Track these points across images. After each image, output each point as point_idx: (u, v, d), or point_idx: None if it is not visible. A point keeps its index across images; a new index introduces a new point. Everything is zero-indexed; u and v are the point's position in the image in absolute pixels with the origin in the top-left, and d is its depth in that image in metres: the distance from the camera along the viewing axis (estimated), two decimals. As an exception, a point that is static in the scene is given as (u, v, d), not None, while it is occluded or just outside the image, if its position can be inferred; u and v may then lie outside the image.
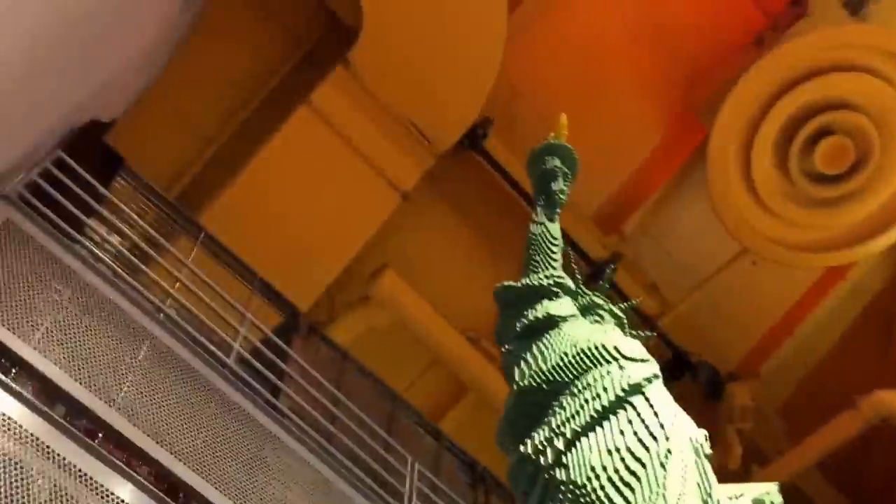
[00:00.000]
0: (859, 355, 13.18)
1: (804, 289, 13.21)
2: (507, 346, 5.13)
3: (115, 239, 7.63)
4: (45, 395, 6.03)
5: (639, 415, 4.26)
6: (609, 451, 4.03)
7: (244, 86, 11.36)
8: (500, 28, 10.18)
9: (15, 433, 5.52)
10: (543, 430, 4.38)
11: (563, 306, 5.14)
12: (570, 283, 5.40)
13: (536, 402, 4.53)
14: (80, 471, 5.55)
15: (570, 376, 4.57)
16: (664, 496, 3.79)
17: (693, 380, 12.48)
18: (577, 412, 4.33)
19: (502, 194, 11.50)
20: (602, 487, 3.85)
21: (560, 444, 4.21)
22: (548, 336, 4.89)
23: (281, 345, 8.03)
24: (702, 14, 11.88)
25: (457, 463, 9.33)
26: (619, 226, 12.46)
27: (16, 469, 5.35)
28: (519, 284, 5.38)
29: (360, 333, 11.11)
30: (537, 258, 5.57)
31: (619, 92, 12.34)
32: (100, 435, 6.07)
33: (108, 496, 5.60)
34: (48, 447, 5.55)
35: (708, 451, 4.46)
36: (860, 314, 13.46)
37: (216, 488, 6.35)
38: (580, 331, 4.89)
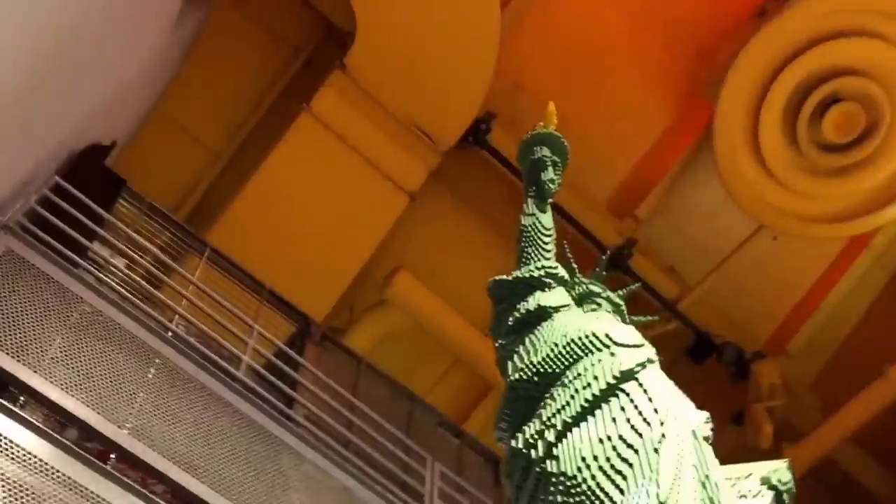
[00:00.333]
0: (890, 324, 12.96)
1: (828, 261, 13.01)
2: (499, 341, 5.10)
3: (119, 261, 7.65)
4: (56, 421, 6.08)
5: (632, 401, 4.21)
6: (600, 440, 3.99)
7: (247, 99, 11.42)
8: (493, 22, 10.13)
9: (25, 461, 5.54)
10: (534, 423, 4.35)
11: (555, 297, 5.09)
12: (563, 272, 5.34)
13: (529, 396, 4.50)
14: (93, 493, 5.57)
15: (561, 367, 4.53)
16: (657, 481, 3.75)
17: (718, 361, 12.35)
18: (568, 403, 4.30)
19: (510, 187, 11.42)
20: (593, 477, 3.82)
21: (551, 436, 4.17)
22: (540, 328, 4.85)
23: (291, 354, 8.03)
24: (702, -9, 11.77)
25: (481, 461, 9.28)
26: (632, 210, 12.34)
27: (28, 497, 5.38)
28: (510, 278, 5.34)
29: (378, 338, 11.11)
30: (529, 250, 5.53)
31: (623, 76, 12.24)
32: (112, 456, 6.12)
33: (122, 517, 5.62)
34: (59, 472, 5.56)
35: (707, 432, 4.40)
36: (888, 282, 13.25)
37: (233, 502, 6.36)
38: (573, 321, 4.84)
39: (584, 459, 3.91)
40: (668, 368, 13.11)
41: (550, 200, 5.81)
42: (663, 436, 4.00)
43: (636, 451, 3.89)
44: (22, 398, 6.05)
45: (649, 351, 4.83)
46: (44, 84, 6.89)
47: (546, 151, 5.71)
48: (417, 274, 11.19)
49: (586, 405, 4.22)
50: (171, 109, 11.13)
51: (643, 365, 4.54)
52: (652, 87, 12.26)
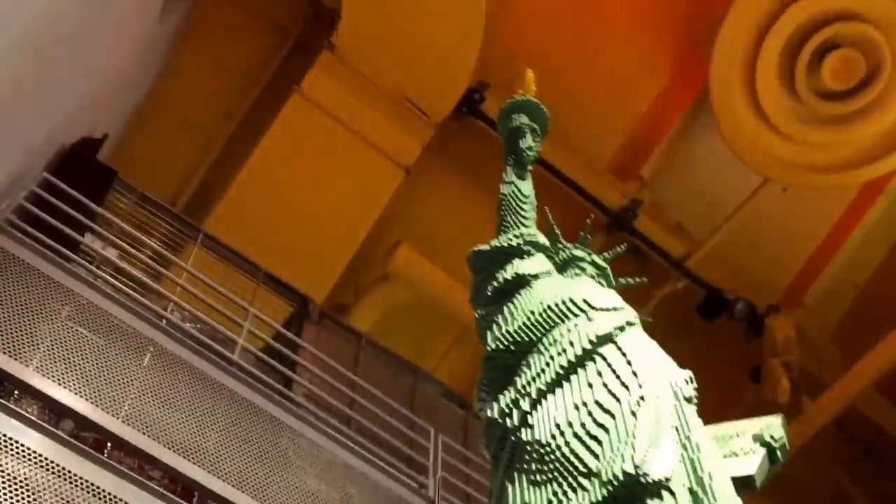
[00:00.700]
0: (910, 270, 12.80)
1: (841, 209, 12.82)
2: (479, 311, 5.08)
3: (112, 253, 7.71)
4: (51, 414, 6.17)
5: (609, 365, 4.17)
6: (576, 406, 3.95)
7: (239, 84, 11.43)
8: (478, -10, 10.05)
9: (22, 455, 5.62)
10: (509, 391, 4.32)
11: (533, 264, 5.04)
12: (542, 239, 5.30)
13: (506, 364, 4.47)
14: (89, 483, 5.64)
15: (538, 335, 4.49)
16: (633, 445, 3.71)
17: (730, 317, 12.26)
18: (543, 370, 4.27)
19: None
20: (567, 444, 3.77)
21: (525, 404, 4.14)
22: (518, 297, 4.81)
23: (287, 334, 8.06)
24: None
25: (487, 431, 9.25)
26: (636, 171, 12.24)
27: (26, 490, 5.46)
28: (489, 247, 5.31)
29: (383, 313, 11.14)
30: (508, 218, 5.48)
31: (619, 35, 12.08)
32: (108, 445, 6.20)
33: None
34: (55, 464, 5.64)
35: (689, 393, 4.34)
36: (905, 228, 13.06)
37: (231, 485, 6.41)
38: (551, 287, 4.80)
39: (558, 426, 3.88)
40: (681, 327, 13.09)
41: (530, 168, 5.78)
42: (642, 399, 3.95)
43: (613, 416, 3.84)
44: (16, 393, 6.14)
45: (629, 314, 4.78)
46: (27, 79, 6.92)
47: (524, 119, 5.66)
48: (419, 247, 11.18)
49: (562, 372, 4.19)
50: (164, 100, 11.16)
51: (622, 328, 4.49)
52: (648, 45, 12.10)
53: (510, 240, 5.23)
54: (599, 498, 3.52)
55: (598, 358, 4.21)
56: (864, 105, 10.75)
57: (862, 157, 11.26)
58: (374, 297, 11.23)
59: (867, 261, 13.05)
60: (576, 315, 4.50)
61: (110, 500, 5.64)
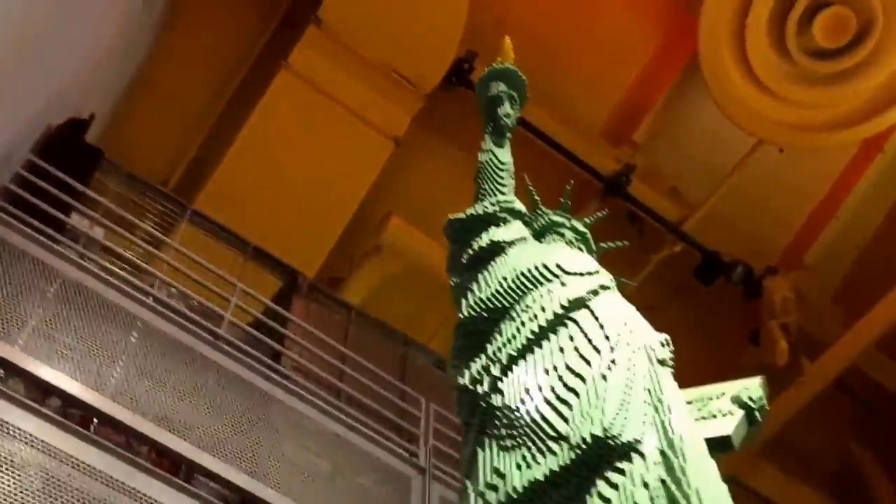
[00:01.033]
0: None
1: (840, 168, 12.72)
2: (454, 279, 5.08)
3: (98, 232, 7.74)
4: (37, 392, 6.21)
5: (581, 329, 4.16)
6: (546, 371, 3.96)
7: (227, 62, 11.40)
8: (462, -42, 9.99)
9: (6, 432, 5.68)
10: (481, 358, 4.32)
11: (509, 231, 5.03)
12: (519, 206, 5.29)
13: (479, 332, 4.46)
14: (75, 459, 5.69)
15: (510, 301, 4.48)
16: (602, 408, 3.72)
17: (727, 280, 12.22)
18: (514, 336, 4.26)
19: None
20: (536, 408, 3.77)
21: (496, 370, 4.14)
22: (493, 264, 4.80)
23: (275, 307, 8.09)
24: None
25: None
26: (629, 137, 12.18)
27: (9, 467, 5.52)
28: (464, 215, 5.30)
29: (377, 286, 11.16)
30: (485, 186, 5.47)
31: (609, 0, 12.00)
32: (94, 421, 6.25)
33: (106, 480, 5.74)
34: (42, 441, 5.70)
35: (663, 355, 4.34)
36: (905, 185, 12.96)
37: (219, 458, 6.47)
38: (526, 254, 4.79)
39: (528, 391, 3.88)
40: (679, 292, 13.05)
41: (509, 136, 5.76)
42: (613, 362, 3.95)
43: (583, 380, 3.84)
44: (2, 372, 6.19)
45: (603, 278, 4.77)
46: (10, 60, 6.92)
47: (502, 86, 5.63)
48: (411, 218, 11.16)
49: (532, 337, 4.18)
50: (153, 80, 11.16)
51: (595, 292, 4.48)
52: (639, 9, 12.01)
53: (485, 207, 5.22)
54: (568, 461, 3.53)
55: (570, 323, 4.20)
56: (856, 63, 10.64)
57: (856, 115, 11.16)
58: (367, 269, 11.25)
59: (868, 220, 12.97)
60: (549, 280, 4.50)
61: (97, 476, 5.70)
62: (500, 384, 4.03)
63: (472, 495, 3.77)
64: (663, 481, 3.54)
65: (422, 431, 7.89)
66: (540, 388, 3.86)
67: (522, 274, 4.53)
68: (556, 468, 3.54)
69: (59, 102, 8.56)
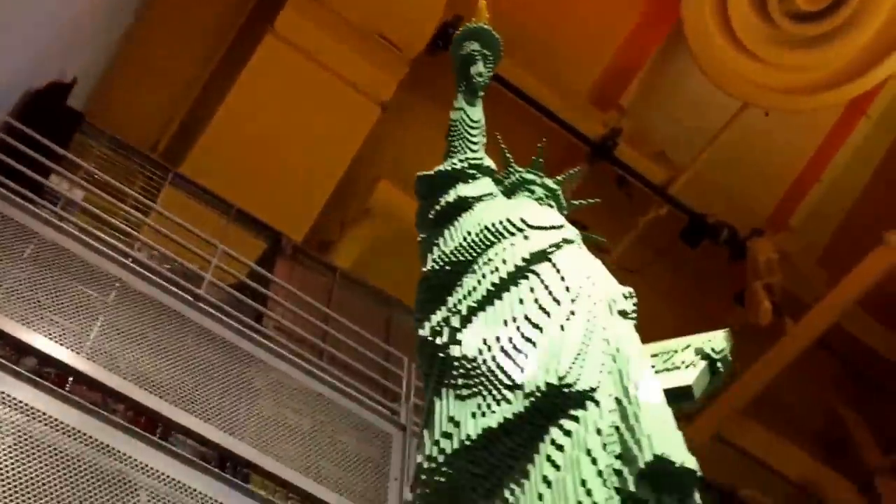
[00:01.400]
0: (893, 190, 12.71)
1: (825, 132, 12.74)
2: (421, 235, 5.10)
3: (78, 194, 7.75)
4: (12, 351, 6.24)
5: (542, 282, 4.19)
6: (505, 322, 3.99)
7: (213, 27, 11.35)
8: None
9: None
10: (441, 310, 4.36)
11: (476, 187, 5.06)
12: (489, 163, 5.31)
13: (442, 285, 4.49)
14: (50, 417, 5.73)
15: (473, 254, 4.52)
16: (559, 358, 3.74)
17: (712, 242, 12.25)
18: (475, 288, 4.30)
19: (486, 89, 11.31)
20: (493, 358, 3.81)
21: (456, 321, 4.18)
22: (459, 219, 4.84)
23: (256, 268, 8.11)
24: None
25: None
26: (616, 100, 12.15)
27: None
28: (433, 172, 5.32)
29: (367, 249, 11.19)
30: (455, 143, 5.52)
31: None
32: (70, 380, 6.29)
33: (80, 437, 5.79)
34: (16, 400, 5.73)
35: (624, 307, 4.36)
36: (889, 148, 12.94)
37: (197, 416, 6.51)
38: (492, 209, 4.82)
39: (485, 342, 3.92)
40: (666, 255, 13.03)
41: (481, 94, 5.79)
42: (573, 313, 3.98)
43: (541, 330, 3.88)
44: (-24, 334, 6.21)
45: (568, 232, 4.79)
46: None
47: (476, 46, 5.68)
48: (399, 182, 11.17)
49: (493, 289, 4.22)
50: (140, 45, 11.12)
51: (558, 245, 4.51)
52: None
53: (454, 164, 5.26)
54: (522, 409, 3.56)
55: (531, 275, 4.24)
56: (838, 24, 10.60)
57: (840, 76, 11.13)
58: (356, 233, 11.28)
59: (853, 182, 13.00)
60: (512, 234, 4.53)
61: (72, 433, 5.74)
62: (459, 335, 4.06)
63: (428, 443, 3.81)
64: (617, 428, 3.58)
65: (404, 390, 7.93)
66: (498, 339, 3.89)
67: (486, 228, 4.56)
68: (510, 416, 3.57)
69: (40, 67, 8.54)
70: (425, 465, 3.74)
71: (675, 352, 4.66)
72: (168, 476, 5.87)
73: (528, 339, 3.84)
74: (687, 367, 4.55)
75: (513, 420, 3.55)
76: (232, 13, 11.48)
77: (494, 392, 3.69)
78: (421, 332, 4.34)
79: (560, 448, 3.51)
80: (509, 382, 3.66)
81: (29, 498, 5.24)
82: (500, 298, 4.15)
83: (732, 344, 4.68)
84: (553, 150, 5.49)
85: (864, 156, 12.69)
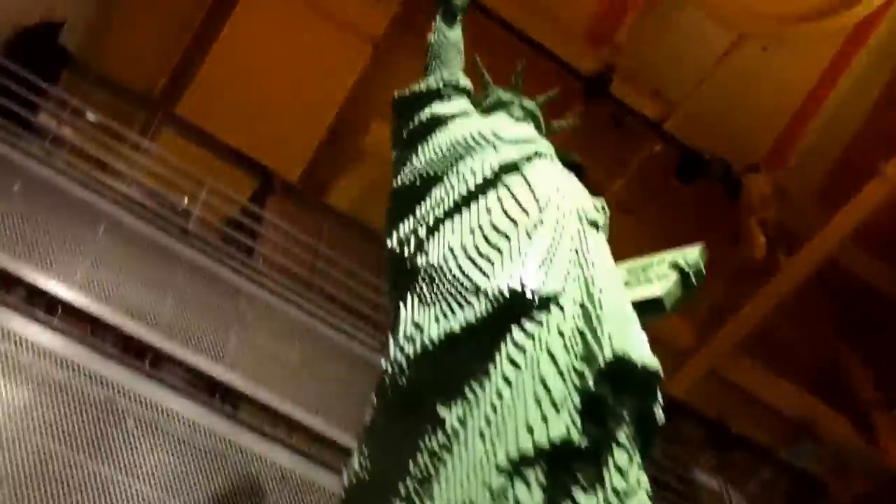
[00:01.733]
0: (892, 123, 12.59)
1: (823, 65, 12.53)
2: (394, 154, 5.14)
3: (66, 131, 7.78)
4: (2, 283, 6.31)
5: (511, 192, 4.22)
6: (471, 230, 4.02)
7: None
8: None
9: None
10: (408, 221, 4.40)
11: (451, 106, 5.09)
12: (466, 83, 5.34)
13: (413, 199, 4.53)
14: (34, 344, 5.81)
15: (444, 168, 4.55)
16: (524, 263, 3.77)
17: (707, 178, 12.17)
18: (443, 199, 4.33)
19: (482, 27, 11.23)
20: (458, 265, 3.85)
21: (422, 231, 4.22)
22: (432, 136, 4.87)
23: (246, 204, 8.15)
24: None
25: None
26: (611, 36, 12.01)
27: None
28: (408, 91, 5.35)
29: (362, 191, 11.16)
30: (432, 64, 5.57)
31: None
32: (59, 311, 6.34)
33: (68, 365, 5.86)
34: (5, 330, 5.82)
35: (595, 217, 4.40)
36: (888, 82, 12.79)
37: (184, 345, 6.58)
38: (465, 125, 4.85)
39: (451, 249, 3.95)
40: (662, 194, 12.92)
41: (458, 16, 5.79)
42: (541, 222, 4.01)
43: (508, 238, 3.91)
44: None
45: (540, 145, 4.82)
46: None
47: None
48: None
49: (460, 200, 4.25)
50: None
51: (529, 158, 4.54)
52: None
53: (429, 84, 5.30)
54: (484, 313, 3.60)
55: (500, 186, 4.27)
56: (834, -53, 10.43)
57: (834, 3, 10.98)
58: (351, 174, 11.25)
59: (851, 117, 12.80)
60: (482, 147, 4.56)
61: (59, 362, 5.82)
62: (425, 244, 4.11)
63: (392, 348, 3.87)
64: (581, 331, 3.62)
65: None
66: (464, 247, 3.93)
67: (458, 142, 4.60)
68: (472, 320, 3.61)
69: (29, 4, 8.54)
70: (388, 369, 3.80)
71: (650, 266, 4.71)
72: (155, 403, 5.95)
73: (494, 247, 3.88)
74: (660, 279, 4.60)
75: (475, 324, 3.59)
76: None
77: (458, 297, 3.73)
78: (388, 243, 4.39)
79: (521, 349, 3.56)
80: (472, 287, 3.70)
81: (17, 424, 5.33)
82: (467, 208, 4.19)
83: (706, 258, 4.74)
84: (546, 86, 5.47)
85: (863, 88, 12.48)
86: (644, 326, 3.80)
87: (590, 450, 3.37)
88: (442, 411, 3.45)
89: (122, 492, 5.21)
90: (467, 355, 3.58)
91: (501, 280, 3.70)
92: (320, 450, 6.49)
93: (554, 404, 3.35)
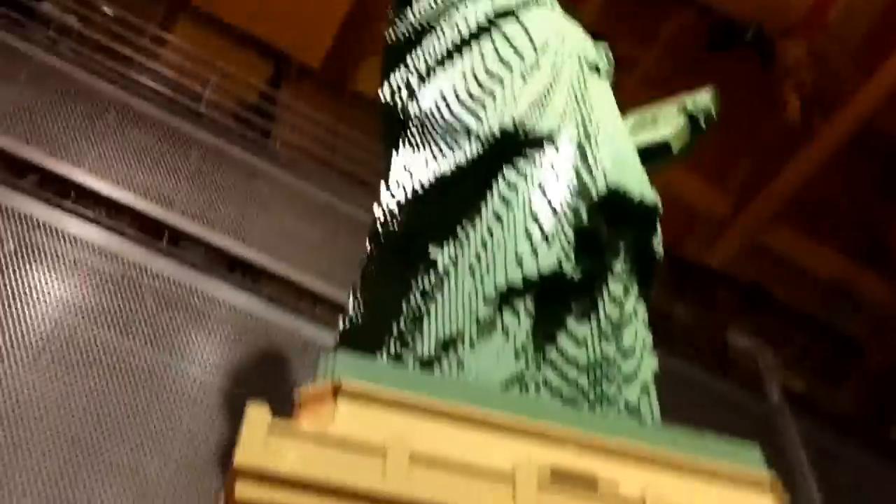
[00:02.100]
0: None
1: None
2: (390, 14, 4.97)
3: (72, 19, 7.68)
4: (13, 169, 6.31)
5: (506, 37, 4.06)
6: (464, 75, 3.89)
7: None
8: None
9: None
10: (400, 71, 4.28)
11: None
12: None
13: (406, 51, 4.39)
14: (43, 224, 5.81)
15: (435, 17, 4.39)
16: (516, 104, 3.66)
17: (740, 44, 11.74)
18: (435, 46, 4.19)
19: None
20: (450, 109, 3.74)
21: (414, 80, 4.10)
22: (427, -9, 4.69)
23: (260, 86, 8.05)
24: None
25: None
26: None
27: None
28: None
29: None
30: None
31: None
32: (72, 194, 6.34)
33: (79, 244, 5.88)
34: (18, 212, 5.84)
35: (597, 61, 4.24)
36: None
37: (200, 223, 6.56)
38: (462, -22, 4.66)
39: (443, 95, 3.84)
40: (696, 64, 12.50)
41: None
42: (536, 65, 3.88)
43: (501, 82, 3.78)
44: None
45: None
46: None
47: None
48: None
49: (453, 47, 4.11)
50: None
51: (526, 4, 4.36)
52: None
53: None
54: (475, 154, 3.51)
55: (495, 32, 4.10)
56: None
57: None
58: (371, 61, 11.06)
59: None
60: (477, -7, 4.37)
61: (72, 241, 5.84)
62: (417, 93, 3.98)
63: (384, 194, 3.80)
64: (576, 169, 3.52)
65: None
66: (456, 92, 3.80)
67: (451, -9, 4.41)
68: (462, 162, 3.52)
69: None
70: (380, 216, 3.73)
71: (659, 111, 4.56)
72: (173, 279, 5.97)
73: (487, 91, 3.75)
74: (668, 123, 4.45)
75: (465, 166, 3.50)
76: None
77: (449, 141, 3.63)
78: (381, 96, 4.27)
79: (514, 187, 3.48)
80: (464, 131, 3.60)
81: (32, 300, 5.39)
82: (460, 54, 4.04)
83: (718, 102, 4.57)
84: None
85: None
86: (652, 172, 3.73)
87: (584, 282, 3.33)
88: (433, 252, 3.40)
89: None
90: (458, 198, 3.50)
91: (493, 121, 3.59)
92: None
93: (546, 238, 3.30)
